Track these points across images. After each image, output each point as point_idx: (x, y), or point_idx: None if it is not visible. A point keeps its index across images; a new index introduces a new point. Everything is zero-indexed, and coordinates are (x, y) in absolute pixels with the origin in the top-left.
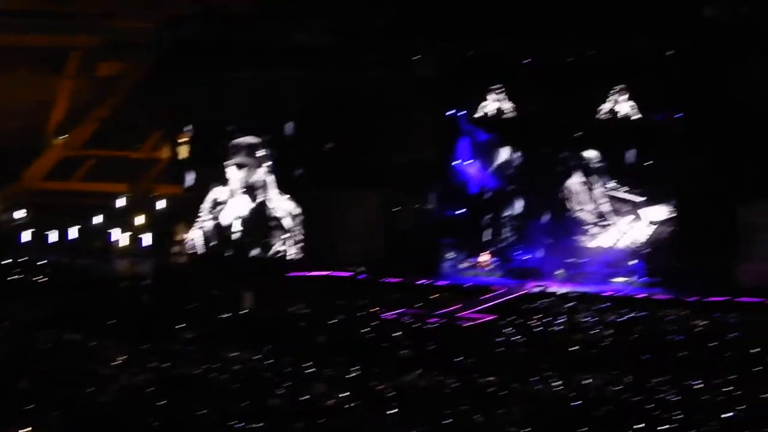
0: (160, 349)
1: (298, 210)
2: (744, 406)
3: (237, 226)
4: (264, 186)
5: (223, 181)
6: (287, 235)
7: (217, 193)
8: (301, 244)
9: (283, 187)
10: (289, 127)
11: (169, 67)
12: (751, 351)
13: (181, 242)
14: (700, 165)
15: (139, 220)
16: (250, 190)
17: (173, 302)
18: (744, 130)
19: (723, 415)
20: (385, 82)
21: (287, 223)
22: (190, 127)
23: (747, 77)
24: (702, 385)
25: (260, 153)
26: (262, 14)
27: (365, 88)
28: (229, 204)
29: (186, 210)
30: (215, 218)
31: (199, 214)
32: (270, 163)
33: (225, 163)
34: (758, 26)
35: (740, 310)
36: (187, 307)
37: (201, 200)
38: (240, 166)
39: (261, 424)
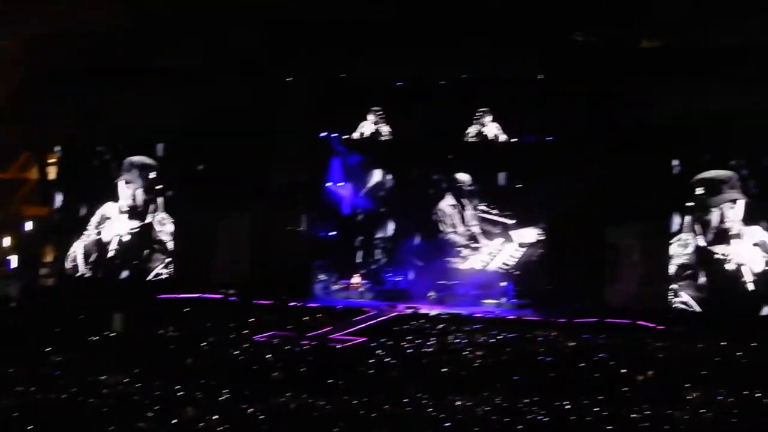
0: (26, 373)
1: (170, 231)
2: (612, 427)
3: (107, 247)
4: (138, 207)
5: (95, 202)
6: (158, 256)
7: (88, 213)
8: (173, 265)
9: (157, 209)
10: (161, 148)
11: (38, 87)
12: (620, 371)
13: (51, 264)
14: (569, 187)
15: (7, 241)
16: (124, 210)
17: (41, 325)
18: (611, 153)
19: None
20: (257, 103)
21: (165, 245)
22: (59, 148)
23: (616, 101)
24: (570, 406)
25: (139, 175)
26: (133, 35)
27: (237, 109)
28: (101, 224)
29: (55, 231)
30: (85, 239)
31: (68, 236)
32: (149, 185)
33: (97, 183)
34: (626, 49)
35: (608, 331)
36: (55, 330)
37: (71, 221)
38: (115, 186)
39: None
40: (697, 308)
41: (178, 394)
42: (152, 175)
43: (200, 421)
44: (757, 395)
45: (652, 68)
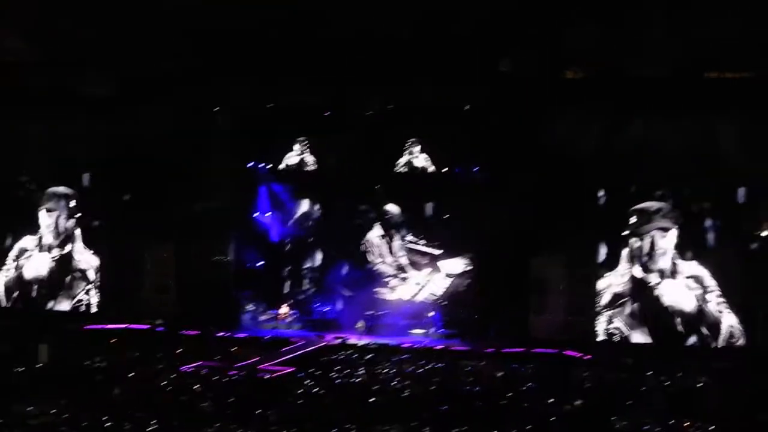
0: None
1: (96, 262)
2: None
3: (33, 279)
4: (63, 237)
5: (19, 233)
6: (86, 287)
7: (12, 244)
8: (100, 296)
9: (82, 239)
10: (84, 178)
11: None
12: (547, 401)
13: None
14: (496, 218)
15: None
16: (49, 241)
17: None
18: (538, 184)
19: None
20: (183, 132)
21: (86, 275)
22: None
23: (544, 131)
24: None
25: (60, 204)
26: (47, 63)
27: (161, 138)
28: (26, 256)
29: None
30: (9, 271)
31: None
32: (70, 214)
33: (22, 214)
34: (555, 80)
35: (536, 360)
36: None
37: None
38: (39, 217)
39: None
40: (629, 337)
41: (106, 425)
42: (72, 204)
43: None
44: (685, 425)
45: (576, 98)
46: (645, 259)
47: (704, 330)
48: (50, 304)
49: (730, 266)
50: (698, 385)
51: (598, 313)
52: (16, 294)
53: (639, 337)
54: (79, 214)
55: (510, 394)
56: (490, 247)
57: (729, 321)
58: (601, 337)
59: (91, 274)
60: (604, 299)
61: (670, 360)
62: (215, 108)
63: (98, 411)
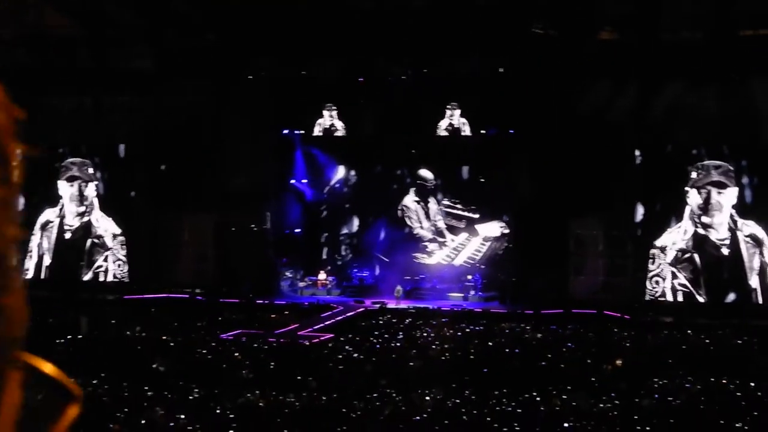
0: None
1: (135, 233)
2: (580, 417)
3: (72, 250)
4: (85, 206)
5: (53, 204)
6: (125, 258)
7: (46, 216)
8: (139, 266)
9: (119, 210)
10: (121, 149)
11: None
12: (586, 362)
13: None
14: (533, 180)
15: None
16: (84, 212)
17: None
18: (574, 145)
19: (560, 426)
20: (217, 102)
21: (126, 246)
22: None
23: (577, 93)
24: (539, 397)
25: (77, 172)
26: (85, 39)
27: (197, 109)
28: (63, 227)
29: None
30: (46, 242)
31: (28, 239)
32: (85, 182)
33: (56, 185)
34: (587, 43)
35: (575, 321)
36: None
37: (29, 224)
38: (74, 188)
39: None
40: (692, 293)
41: (146, 395)
42: (90, 171)
43: (169, 422)
44: (723, 382)
45: (611, 60)
46: (702, 215)
47: (754, 287)
48: (89, 275)
49: None
50: (739, 343)
51: (642, 272)
52: (47, 266)
53: (693, 293)
54: (97, 183)
55: (549, 355)
56: (527, 210)
57: None
58: (641, 298)
59: (125, 245)
60: (668, 256)
61: (712, 318)
62: (249, 76)
63: (139, 381)
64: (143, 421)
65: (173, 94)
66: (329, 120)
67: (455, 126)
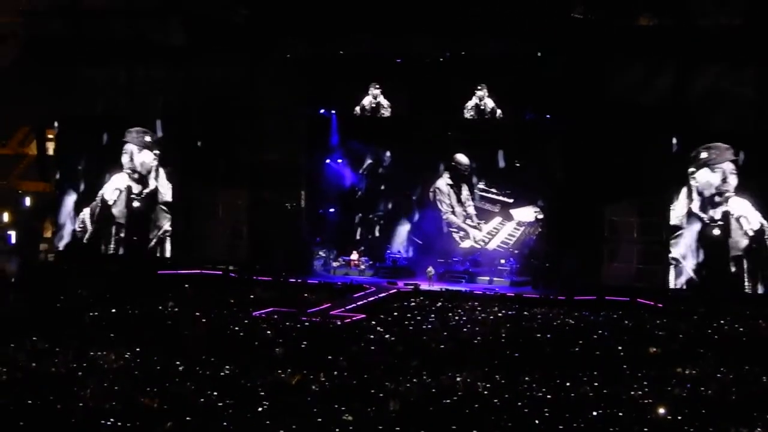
0: (27, 347)
1: (170, 208)
2: (611, 404)
3: (107, 224)
4: (143, 173)
5: (93, 179)
6: (158, 233)
7: (87, 190)
8: (172, 242)
9: (157, 186)
10: (158, 125)
11: (32, 63)
12: (618, 349)
13: (50, 239)
14: (568, 166)
15: (6, 217)
16: (123, 188)
17: (41, 300)
18: (609, 131)
19: (590, 413)
20: (255, 81)
21: (159, 221)
22: (56, 124)
23: (613, 79)
24: (569, 383)
25: (139, 141)
26: (122, 12)
27: (233, 86)
28: (99, 202)
29: (54, 207)
30: (85, 216)
31: (68, 212)
32: (147, 161)
33: (94, 161)
34: (622, 27)
35: (607, 308)
36: (56, 305)
37: (70, 197)
38: (116, 162)
39: (131, 424)
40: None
41: (178, 369)
42: (148, 139)
43: (200, 397)
44: (756, 371)
45: (647, 46)
46: (715, 194)
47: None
48: (124, 249)
49: None
50: None
51: (671, 261)
52: (83, 239)
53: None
54: (157, 152)
55: (581, 341)
56: (561, 196)
57: None
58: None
59: (159, 221)
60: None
61: (743, 309)
62: (287, 55)
63: (171, 355)
64: (174, 396)
65: (213, 70)
66: (367, 101)
67: (490, 111)
